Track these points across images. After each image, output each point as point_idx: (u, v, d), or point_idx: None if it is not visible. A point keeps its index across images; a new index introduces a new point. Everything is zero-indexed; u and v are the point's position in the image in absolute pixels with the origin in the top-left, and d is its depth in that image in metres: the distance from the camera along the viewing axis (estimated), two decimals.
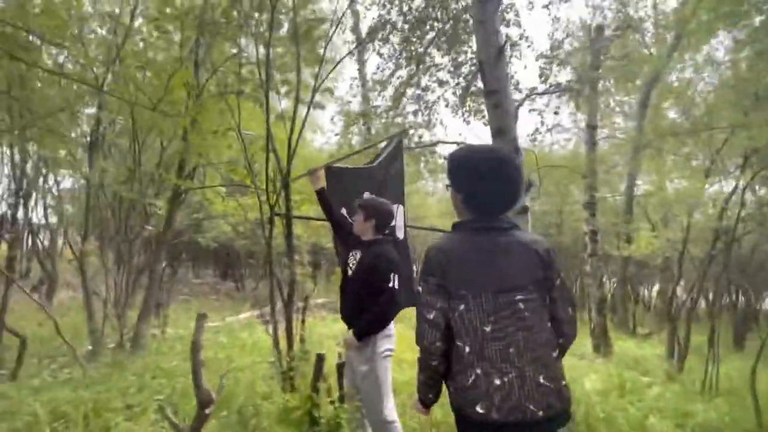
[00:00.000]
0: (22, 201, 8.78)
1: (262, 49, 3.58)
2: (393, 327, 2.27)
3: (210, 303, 10.96)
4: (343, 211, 2.73)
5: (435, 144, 4.37)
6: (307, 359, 4.26)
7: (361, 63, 9.23)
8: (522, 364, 1.09)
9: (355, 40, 6.56)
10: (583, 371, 5.30)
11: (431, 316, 1.14)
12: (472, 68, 4.69)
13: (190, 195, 7.64)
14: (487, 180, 1.16)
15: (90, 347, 4.64)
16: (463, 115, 4.58)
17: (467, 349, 1.11)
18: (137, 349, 4.53)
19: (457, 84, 4.53)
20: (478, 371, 1.10)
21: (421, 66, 4.76)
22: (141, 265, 5.71)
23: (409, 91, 5.35)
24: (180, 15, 5.42)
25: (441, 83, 4.59)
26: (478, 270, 1.13)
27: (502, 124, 3.70)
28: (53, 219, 9.61)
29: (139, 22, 5.13)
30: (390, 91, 5.61)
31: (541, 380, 1.10)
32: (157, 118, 4.82)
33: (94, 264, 5.44)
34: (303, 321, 4.46)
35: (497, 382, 1.08)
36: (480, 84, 4.65)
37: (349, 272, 2.31)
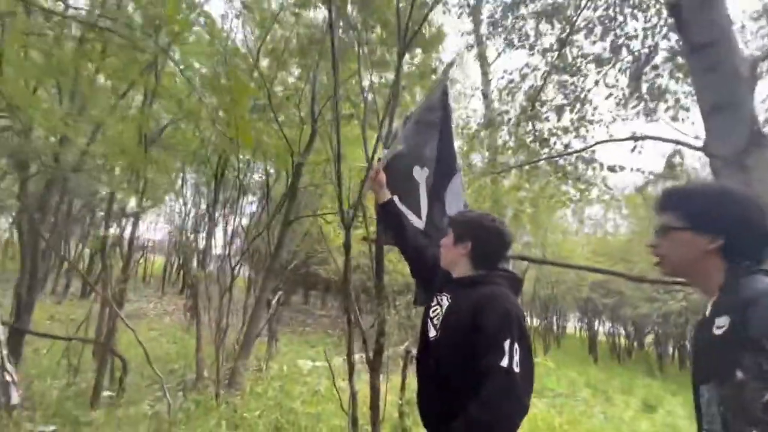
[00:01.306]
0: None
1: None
2: None
3: (325, 338, 10.86)
4: (397, 202, 1.72)
5: (594, 145, 3.01)
6: None
7: (486, 83, 8.34)
8: None
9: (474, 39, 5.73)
10: None
11: None
12: (646, 40, 3.26)
13: (308, 225, 7.74)
14: (754, 222, 0.92)
15: (195, 376, 4.55)
16: (639, 103, 3.08)
17: None
18: (233, 386, 4.21)
19: (625, 61, 3.13)
20: None
21: (565, 50, 3.55)
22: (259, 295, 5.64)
23: (549, 94, 4.15)
24: (303, 47, 5.66)
25: (599, 62, 3.24)
26: None
27: (726, 95, 2.22)
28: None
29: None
30: (521, 96, 4.52)
31: None
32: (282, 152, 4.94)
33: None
34: (402, 387, 3.44)
35: None
36: (661, 53, 3.16)
37: (430, 333, 1.28)
